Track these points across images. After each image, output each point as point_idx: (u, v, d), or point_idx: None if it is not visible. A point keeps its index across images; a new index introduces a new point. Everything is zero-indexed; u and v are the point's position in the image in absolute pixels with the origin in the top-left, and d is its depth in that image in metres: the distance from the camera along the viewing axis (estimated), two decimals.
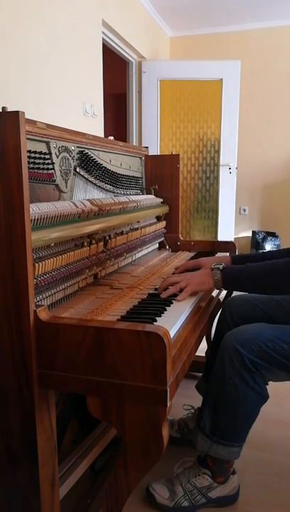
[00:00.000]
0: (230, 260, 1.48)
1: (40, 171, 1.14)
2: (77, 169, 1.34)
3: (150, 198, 1.83)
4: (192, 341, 1.06)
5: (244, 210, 4.82)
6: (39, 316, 0.86)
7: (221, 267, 1.27)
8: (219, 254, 1.87)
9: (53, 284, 1.04)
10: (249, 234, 4.76)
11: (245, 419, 1.22)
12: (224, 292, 1.74)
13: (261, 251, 4.41)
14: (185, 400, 1.69)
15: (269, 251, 1.55)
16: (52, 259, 1.02)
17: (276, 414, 1.78)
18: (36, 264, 0.95)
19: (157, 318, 1.04)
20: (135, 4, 3.82)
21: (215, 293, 1.48)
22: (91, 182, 1.44)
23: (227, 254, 1.70)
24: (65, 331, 0.85)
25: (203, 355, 1.89)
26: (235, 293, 1.50)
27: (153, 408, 0.83)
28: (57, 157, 1.22)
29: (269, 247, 4.46)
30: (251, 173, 4.68)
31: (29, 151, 1.09)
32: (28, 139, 1.03)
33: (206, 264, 1.41)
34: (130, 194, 1.77)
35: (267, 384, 1.22)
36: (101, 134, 3.27)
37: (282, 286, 1.19)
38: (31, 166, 1.10)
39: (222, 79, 4.14)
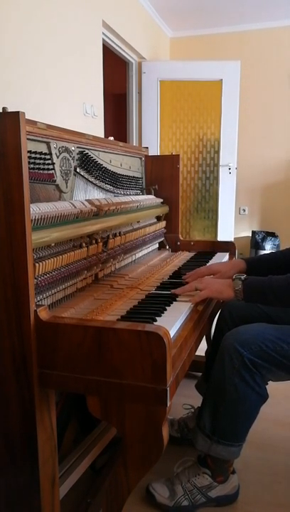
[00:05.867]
0: (245, 265, 1.42)
1: (41, 171, 1.14)
2: (78, 169, 1.34)
3: (150, 198, 1.83)
4: (192, 341, 1.06)
5: (244, 210, 4.83)
6: (39, 316, 0.86)
7: (243, 277, 1.22)
8: (219, 254, 1.88)
9: (53, 284, 1.05)
10: (249, 234, 4.76)
11: (245, 419, 1.23)
12: None
13: (261, 251, 4.41)
14: (185, 400, 1.69)
15: (280, 251, 1.52)
16: (52, 259, 1.02)
17: (276, 414, 1.79)
18: (36, 264, 0.95)
19: (157, 318, 1.04)
20: (135, 5, 3.82)
21: None
22: (91, 182, 1.44)
23: (233, 257, 1.66)
24: (65, 331, 0.85)
25: (203, 354, 1.89)
26: None
27: (153, 408, 0.84)
28: (58, 157, 1.22)
29: (268, 247, 4.46)
30: (250, 173, 4.69)
31: (29, 152, 1.09)
32: (28, 139, 1.04)
33: (221, 271, 1.37)
34: (130, 194, 1.77)
35: (267, 384, 1.22)
36: (102, 135, 3.27)
37: None
38: (31, 166, 1.10)
39: (221, 79, 4.14)
